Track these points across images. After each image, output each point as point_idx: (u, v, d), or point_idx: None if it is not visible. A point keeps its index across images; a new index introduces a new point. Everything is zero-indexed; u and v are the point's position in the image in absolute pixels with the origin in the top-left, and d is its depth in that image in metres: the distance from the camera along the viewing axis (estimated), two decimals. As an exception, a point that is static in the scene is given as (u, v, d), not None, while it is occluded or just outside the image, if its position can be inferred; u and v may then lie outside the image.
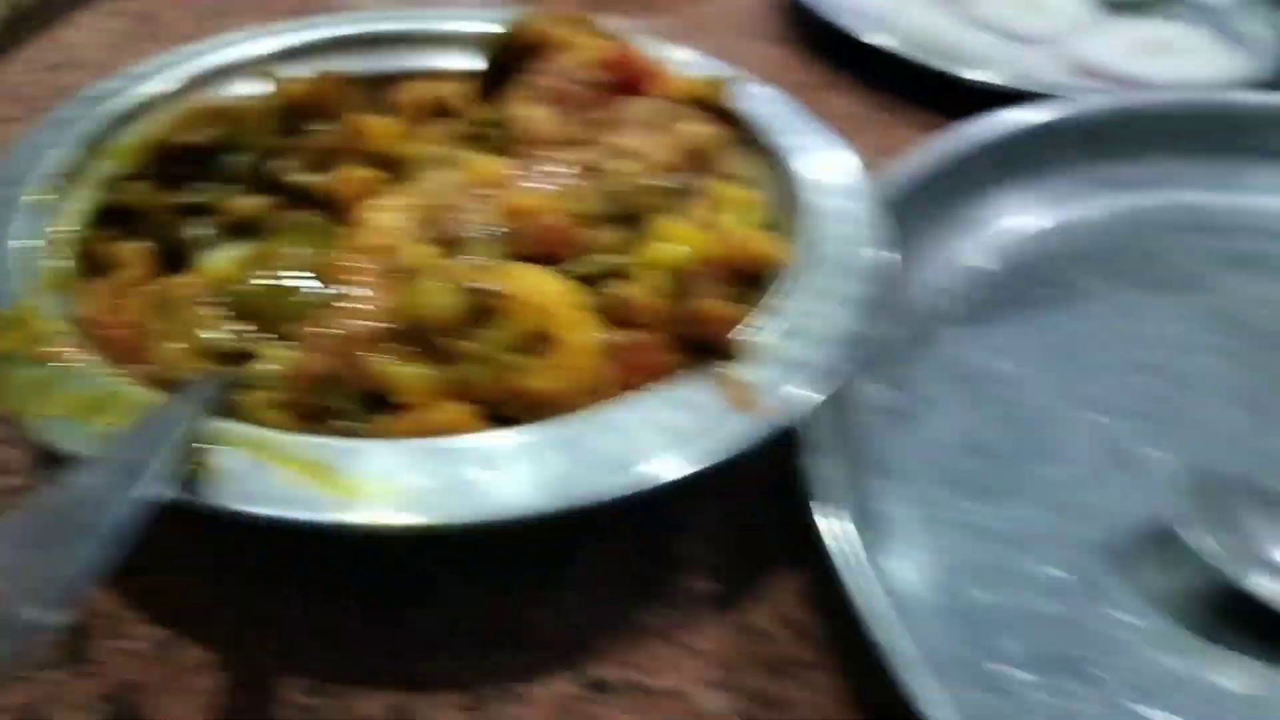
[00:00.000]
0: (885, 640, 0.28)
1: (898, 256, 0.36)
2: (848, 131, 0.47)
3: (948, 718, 0.27)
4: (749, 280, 0.35)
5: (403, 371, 0.30)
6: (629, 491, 0.27)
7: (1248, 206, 0.49)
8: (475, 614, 0.32)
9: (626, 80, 0.39)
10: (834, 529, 0.31)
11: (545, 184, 0.35)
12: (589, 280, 0.32)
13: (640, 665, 0.32)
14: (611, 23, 0.45)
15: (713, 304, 0.31)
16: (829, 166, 0.38)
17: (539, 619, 0.32)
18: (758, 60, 0.61)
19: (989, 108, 0.49)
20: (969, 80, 0.55)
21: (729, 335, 0.31)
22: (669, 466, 0.27)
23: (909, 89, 0.57)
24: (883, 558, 0.34)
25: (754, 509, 0.36)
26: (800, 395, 0.30)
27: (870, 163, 0.40)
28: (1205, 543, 0.33)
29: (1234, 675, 0.32)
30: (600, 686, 0.31)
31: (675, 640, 0.32)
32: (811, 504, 0.32)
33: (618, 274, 0.33)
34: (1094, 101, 0.50)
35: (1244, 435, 0.39)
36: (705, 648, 0.32)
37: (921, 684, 0.27)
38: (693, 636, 0.32)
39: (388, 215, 0.35)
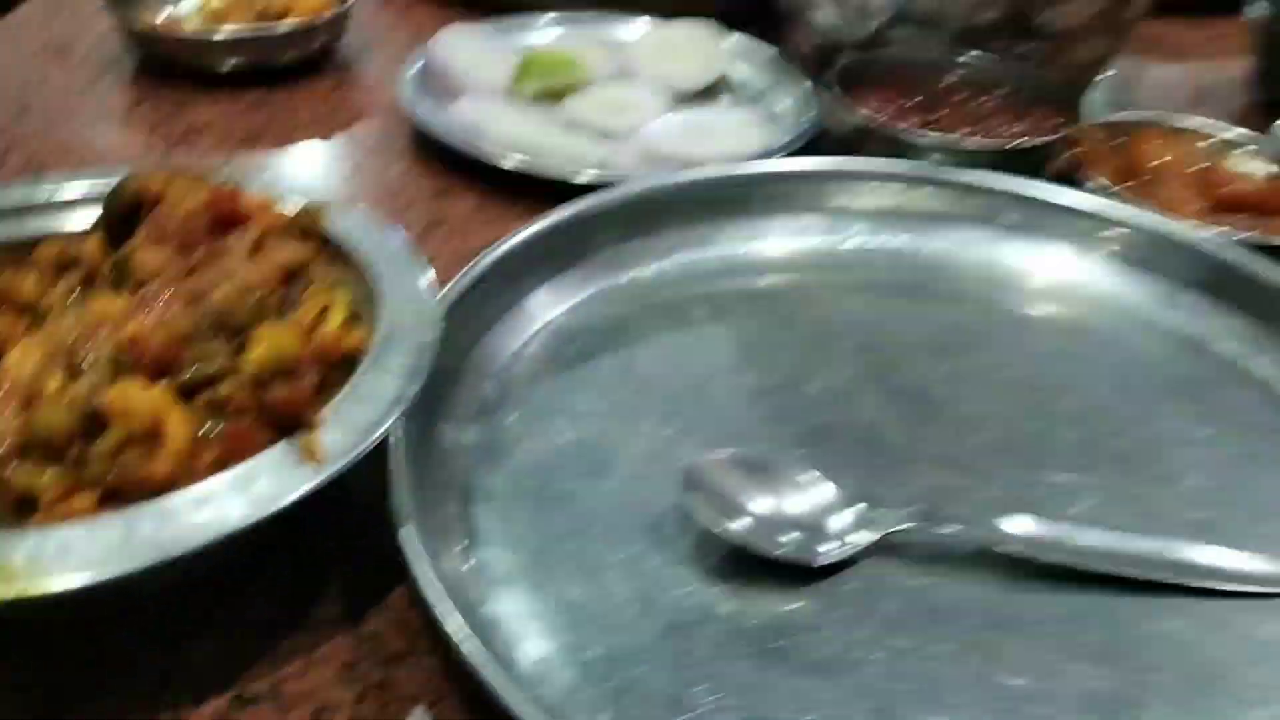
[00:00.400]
0: (444, 619, 0.38)
1: (440, 334, 0.46)
2: (464, 229, 0.58)
3: (499, 679, 0.36)
4: (343, 365, 0.44)
5: (38, 479, 0.37)
6: (205, 541, 0.35)
7: (763, 251, 0.64)
8: (139, 656, 0.40)
9: (229, 218, 0.49)
10: (411, 541, 0.41)
11: (157, 312, 0.43)
12: (198, 385, 0.41)
13: (281, 677, 0.40)
14: (238, 162, 0.54)
15: (293, 390, 0.40)
16: (403, 270, 0.49)
17: (199, 652, 0.40)
18: (391, 176, 0.72)
19: (582, 195, 0.61)
20: (561, 177, 0.68)
21: (310, 411, 0.40)
22: (236, 516, 0.36)
23: (517, 187, 0.69)
24: (466, 560, 0.44)
25: (378, 537, 0.45)
26: (358, 446, 0.39)
27: (473, 252, 0.51)
28: (696, 506, 0.45)
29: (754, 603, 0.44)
30: (249, 700, 0.39)
31: (310, 653, 0.41)
32: (399, 526, 0.41)
33: (222, 376, 0.41)
34: (643, 182, 0.63)
35: (755, 426, 0.52)
36: (333, 654, 0.41)
37: (470, 648, 0.37)
38: (324, 648, 0.41)
39: (24, 355, 0.42)
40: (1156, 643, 0.43)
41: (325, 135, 0.76)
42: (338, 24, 0.84)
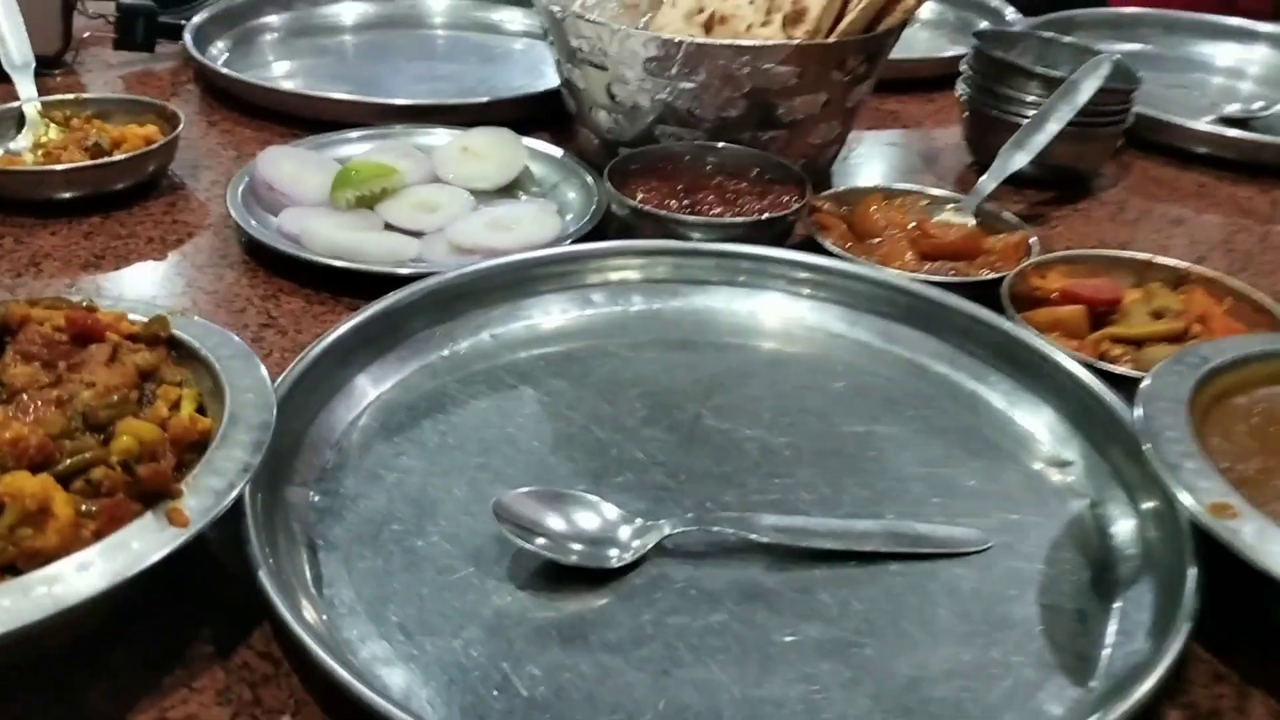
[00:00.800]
0: (303, 635, 0.47)
1: (276, 414, 0.55)
2: (295, 325, 0.67)
3: (350, 679, 0.45)
4: (195, 447, 0.53)
5: (-56, 559, 0.45)
6: (93, 593, 0.44)
7: (558, 321, 0.75)
8: (36, 701, 0.47)
9: (87, 333, 0.57)
10: (267, 581, 0.49)
11: (33, 416, 0.51)
12: (74, 472, 0.49)
13: (166, 705, 0.48)
14: (82, 284, 0.62)
15: (156, 468, 0.49)
16: (241, 363, 0.58)
17: (93, 691, 0.48)
18: (225, 284, 0.80)
19: (399, 286, 0.71)
20: (379, 272, 0.78)
21: (172, 485, 0.49)
22: (115, 573, 0.45)
23: (341, 285, 0.79)
24: (315, 595, 0.53)
25: (239, 588, 0.53)
26: (215, 507, 0.48)
27: (305, 344, 0.61)
28: (505, 530, 0.55)
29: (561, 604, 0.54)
30: (137, 729, 0.47)
31: (190, 684, 0.49)
32: (255, 570, 0.50)
33: (94, 464, 0.50)
34: (452, 272, 0.74)
35: (556, 466, 0.63)
36: (209, 684, 0.49)
37: (323, 653, 0.46)
38: (201, 679, 0.49)
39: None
40: (877, 599, 0.56)
41: (162, 253, 0.84)
42: (167, 151, 0.92)
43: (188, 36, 1.16)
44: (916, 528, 0.60)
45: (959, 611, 0.55)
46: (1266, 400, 0.62)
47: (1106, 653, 0.53)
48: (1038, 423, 0.68)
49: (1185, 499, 0.52)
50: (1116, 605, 0.56)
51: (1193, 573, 0.53)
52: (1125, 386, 0.63)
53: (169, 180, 0.94)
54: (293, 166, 0.90)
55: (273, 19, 1.30)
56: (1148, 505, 0.60)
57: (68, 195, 0.87)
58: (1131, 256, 0.82)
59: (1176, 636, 0.50)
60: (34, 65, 1.00)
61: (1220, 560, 0.52)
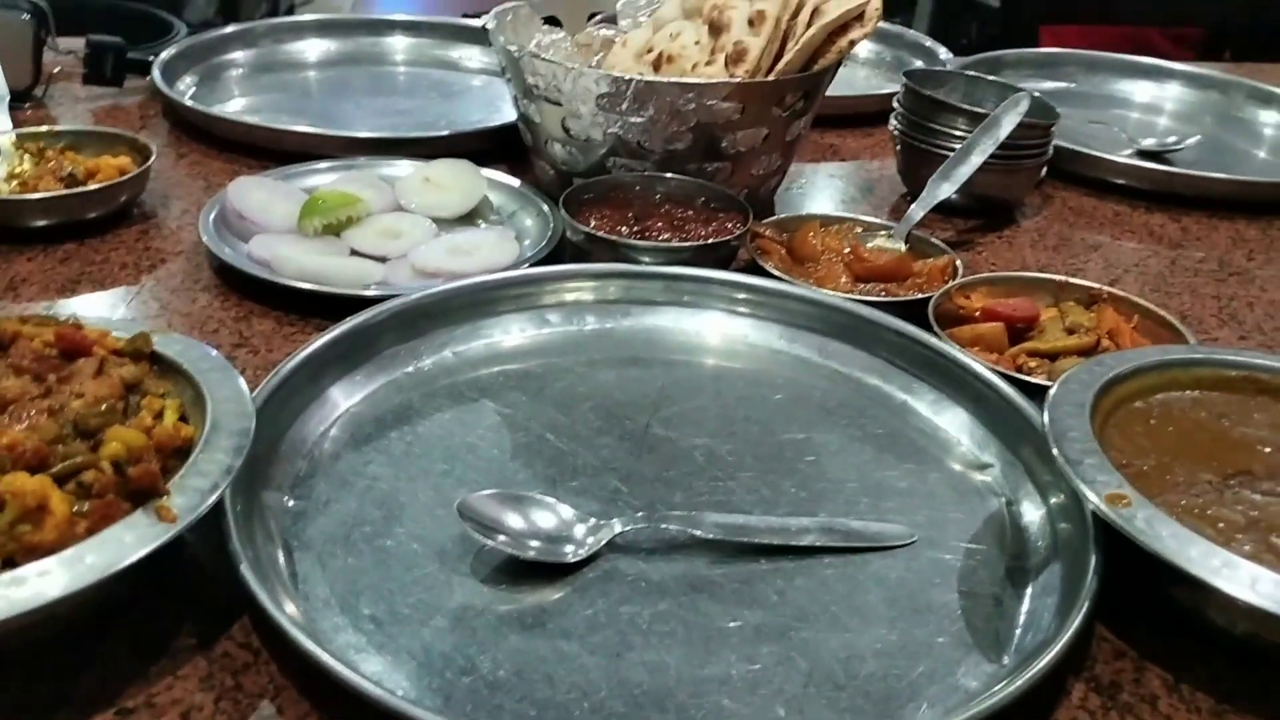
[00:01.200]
0: (283, 624, 0.51)
1: (255, 421, 0.59)
2: (267, 345, 0.71)
3: (327, 660, 0.50)
4: (179, 454, 0.57)
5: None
6: (98, 579, 0.47)
7: (516, 340, 0.80)
8: (32, 687, 0.51)
9: (75, 348, 0.61)
10: (248, 574, 0.53)
11: (27, 424, 0.55)
12: (68, 475, 0.53)
13: (153, 691, 0.52)
14: (60, 307, 0.66)
15: (145, 469, 0.53)
16: (220, 375, 0.62)
17: (84, 679, 0.52)
18: (198, 308, 0.84)
19: (366, 308, 0.75)
20: (347, 294, 0.82)
21: (160, 483, 0.53)
22: (112, 563, 0.48)
23: (309, 308, 0.83)
24: (292, 591, 0.57)
25: (220, 587, 0.57)
26: (201, 504, 0.52)
27: (276, 363, 0.66)
28: (468, 529, 0.59)
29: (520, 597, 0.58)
30: (129, 711, 0.51)
31: (175, 673, 0.53)
32: (237, 565, 0.54)
33: (85, 468, 0.53)
34: (416, 294, 0.78)
35: (515, 472, 0.68)
36: (193, 671, 0.53)
37: (296, 634, 0.50)
38: (185, 668, 0.53)
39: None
40: (812, 588, 0.61)
41: (136, 278, 0.87)
42: (139, 181, 0.96)
43: (156, 72, 1.20)
44: (849, 524, 0.65)
45: (886, 599, 0.60)
46: (1163, 404, 0.68)
47: (1018, 632, 0.59)
48: (960, 429, 0.73)
49: (1085, 490, 0.58)
50: (1028, 590, 0.61)
51: (1093, 559, 0.59)
52: (1040, 396, 0.69)
53: (141, 209, 0.98)
54: (262, 196, 0.94)
55: (238, 55, 1.35)
56: (1056, 501, 0.65)
57: (43, 223, 0.91)
58: (1048, 278, 0.88)
59: (1077, 614, 0.56)
60: (8, 99, 1.03)
61: (1120, 548, 0.58)
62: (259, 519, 0.60)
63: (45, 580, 0.47)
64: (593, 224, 0.89)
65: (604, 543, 0.61)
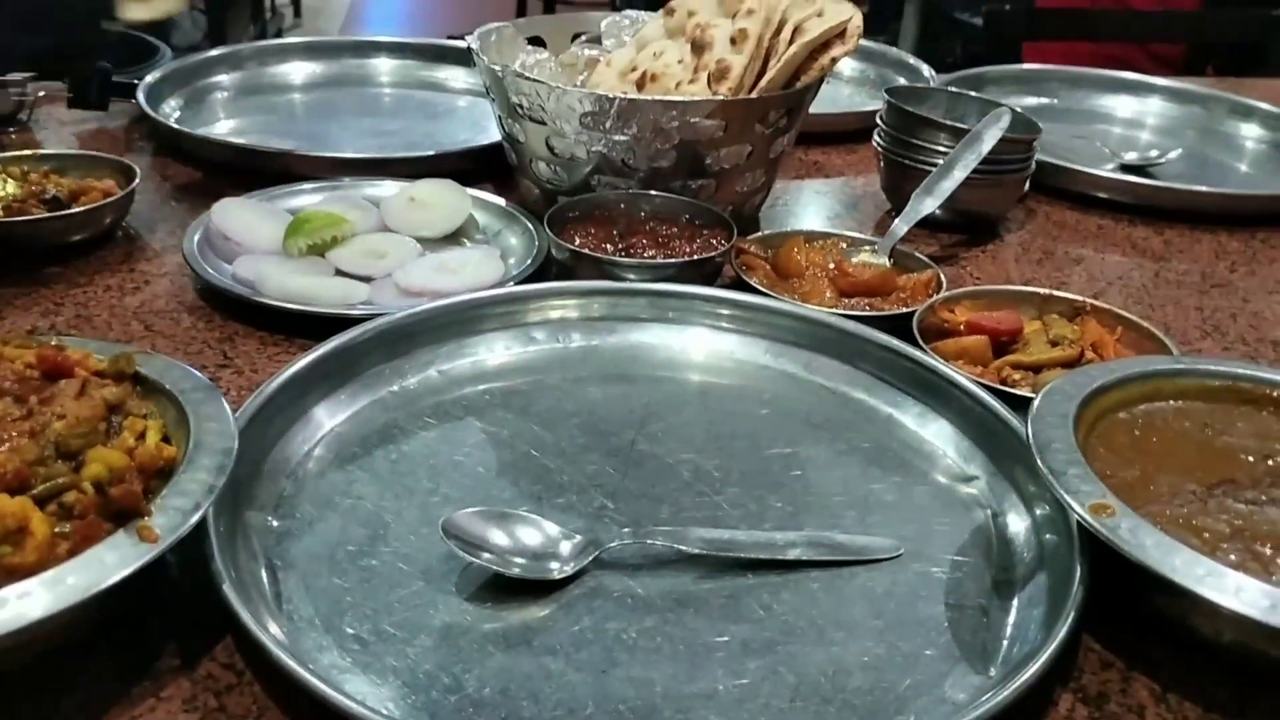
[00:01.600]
0: (267, 645, 0.51)
1: (237, 441, 0.59)
2: (251, 365, 0.71)
3: (313, 681, 0.49)
4: (161, 474, 0.57)
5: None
6: (80, 599, 0.47)
7: (502, 358, 0.80)
8: (19, 710, 0.50)
9: (57, 369, 0.60)
10: (230, 594, 0.53)
11: (5, 446, 0.55)
12: (49, 496, 0.53)
13: (136, 713, 0.51)
14: (44, 328, 0.66)
15: (127, 489, 0.52)
16: (203, 395, 0.61)
17: (66, 701, 0.51)
18: (182, 328, 0.84)
19: (350, 327, 0.75)
20: (332, 314, 0.82)
21: (142, 503, 0.53)
22: (93, 583, 0.48)
23: (294, 328, 0.83)
24: (275, 610, 0.56)
25: (202, 608, 0.56)
26: (183, 525, 0.52)
27: (260, 383, 0.66)
28: (453, 546, 0.59)
29: (506, 614, 0.58)
30: (107, 734, 0.50)
31: (158, 694, 0.52)
32: (219, 585, 0.54)
33: (67, 489, 0.53)
34: (401, 312, 0.78)
35: (501, 490, 0.67)
36: (176, 693, 0.52)
37: (279, 655, 0.50)
38: (168, 689, 0.53)
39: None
40: (798, 602, 0.60)
41: (120, 299, 0.87)
42: (124, 204, 0.96)
43: (141, 95, 1.20)
44: (835, 538, 0.65)
45: (873, 612, 0.60)
46: (1146, 415, 0.68)
47: (1005, 644, 0.59)
48: (945, 442, 0.74)
49: (1069, 501, 0.58)
50: (1015, 602, 0.61)
51: (1079, 569, 0.59)
52: (1024, 408, 0.69)
53: (125, 232, 0.98)
54: (247, 217, 0.94)
55: (223, 78, 1.35)
56: (1041, 512, 0.66)
57: (28, 246, 0.90)
58: (1032, 291, 0.89)
59: (1063, 625, 0.56)
60: (-9, 123, 1.03)
61: (1106, 559, 0.58)
62: (242, 539, 0.60)
63: (26, 602, 0.47)
64: (578, 241, 0.90)
65: (590, 559, 0.61)
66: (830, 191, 1.20)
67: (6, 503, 0.49)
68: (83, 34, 1.30)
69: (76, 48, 1.20)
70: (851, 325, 0.81)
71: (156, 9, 2.01)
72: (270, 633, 0.53)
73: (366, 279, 0.89)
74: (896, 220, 0.97)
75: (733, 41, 0.95)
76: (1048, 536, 0.64)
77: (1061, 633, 0.55)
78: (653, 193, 0.95)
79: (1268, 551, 0.58)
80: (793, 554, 0.63)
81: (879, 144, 1.10)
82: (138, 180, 0.96)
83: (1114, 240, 1.12)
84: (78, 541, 0.51)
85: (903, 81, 1.43)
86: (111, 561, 0.50)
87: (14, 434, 0.56)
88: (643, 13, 1.12)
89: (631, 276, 0.86)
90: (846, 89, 1.50)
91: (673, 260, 0.88)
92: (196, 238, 0.91)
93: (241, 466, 0.59)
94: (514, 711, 0.53)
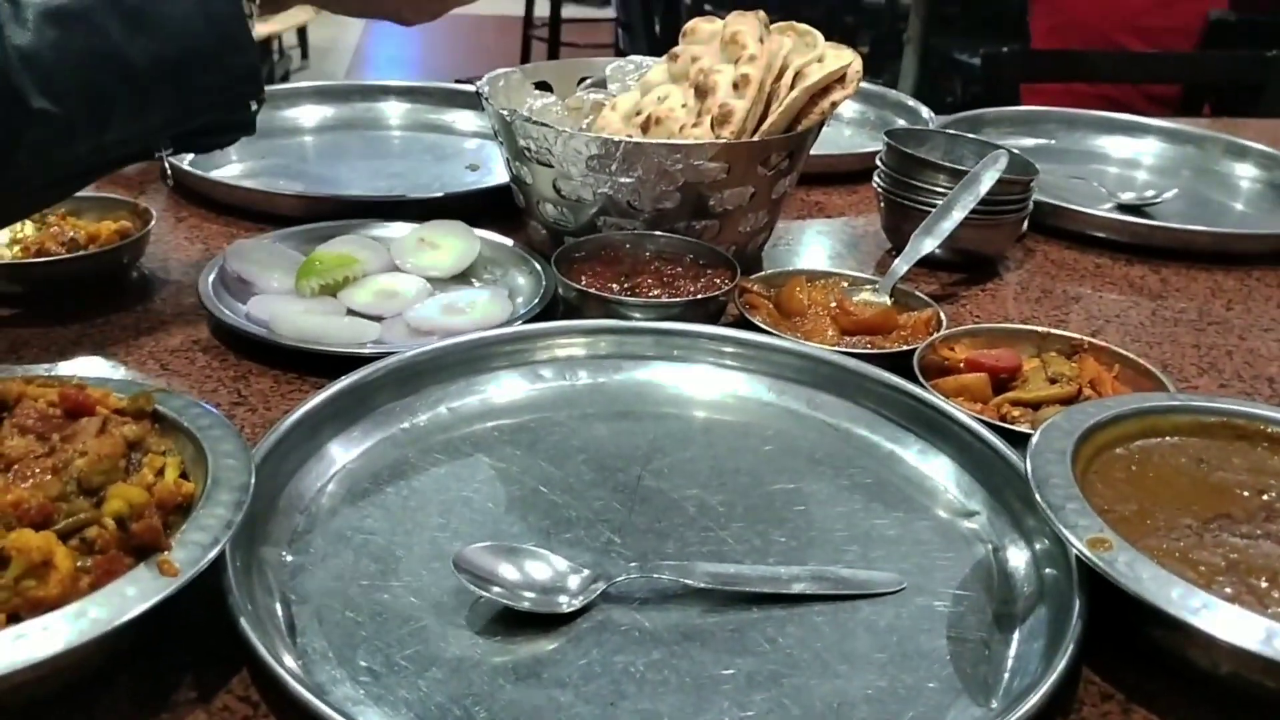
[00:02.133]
0: (281, 675, 0.52)
1: (254, 477, 0.60)
2: (265, 403, 0.72)
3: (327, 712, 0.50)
4: (180, 510, 0.58)
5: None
6: (100, 633, 0.48)
7: (510, 395, 0.82)
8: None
9: (78, 408, 0.62)
10: (247, 627, 0.54)
11: (29, 484, 0.56)
12: (73, 530, 0.54)
13: (150, 747, 0.52)
14: (61, 369, 0.67)
15: (148, 524, 0.54)
16: (220, 433, 0.63)
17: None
18: (197, 367, 0.85)
19: (362, 365, 0.77)
20: (344, 353, 0.84)
21: (161, 540, 0.54)
22: (117, 615, 0.49)
23: (307, 366, 0.84)
24: (290, 643, 0.57)
25: (219, 642, 0.57)
26: (203, 558, 0.53)
27: (274, 421, 0.67)
28: (464, 580, 0.60)
29: (515, 647, 0.59)
30: (124, 765, 0.51)
31: (172, 730, 0.54)
32: (236, 618, 0.55)
33: (88, 524, 0.55)
34: (411, 351, 0.80)
35: (510, 525, 0.69)
36: (191, 728, 0.54)
37: (295, 687, 0.51)
38: (182, 722, 0.54)
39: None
40: (803, 635, 0.62)
41: (135, 338, 0.89)
42: (139, 245, 0.98)
43: (156, 138, 1.22)
44: (838, 572, 0.66)
45: (876, 645, 0.61)
46: (1142, 451, 0.70)
47: (1006, 677, 0.59)
48: (946, 477, 0.75)
49: (1067, 535, 0.59)
50: (1016, 635, 0.62)
51: (1078, 603, 0.60)
52: (1023, 444, 0.70)
53: (141, 272, 1.00)
54: (260, 258, 0.96)
55: (236, 121, 1.37)
56: (1041, 546, 0.67)
57: (47, 287, 0.92)
58: (1031, 329, 0.90)
59: (1062, 657, 0.57)
60: (10, 166, 1.05)
61: (1105, 592, 0.59)
62: (258, 573, 0.61)
63: (49, 635, 0.48)
64: (584, 281, 0.91)
65: (598, 593, 0.62)
66: (831, 231, 1.22)
67: (31, 538, 0.51)
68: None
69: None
70: (853, 363, 0.82)
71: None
72: (285, 665, 0.54)
73: (377, 318, 0.91)
74: (897, 260, 0.98)
75: (735, 86, 0.98)
76: (1047, 570, 0.65)
77: (1061, 665, 0.56)
78: (657, 233, 0.97)
79: (1263, 584, 0.59)
80: (797, 588, 0.64)
81: (879, 185, 1.12)
82: (153, 222, 0.98)
83: (1111, 279, 1.14)
84: (99, 576, 0.52)
85: (902, 123, 1.46)
86: (133, 595, 0.51)
87: (37, 471, 0.57)
88: (647, 58, 1.15)
89: (637, 315, 0.88)
90: (847, 130, 1.53)
91: (677, 300, 0.90)
92: (211, 278, 0.93)
93: (257, 503, 0.60)
94: (524, 743, 0.54)
